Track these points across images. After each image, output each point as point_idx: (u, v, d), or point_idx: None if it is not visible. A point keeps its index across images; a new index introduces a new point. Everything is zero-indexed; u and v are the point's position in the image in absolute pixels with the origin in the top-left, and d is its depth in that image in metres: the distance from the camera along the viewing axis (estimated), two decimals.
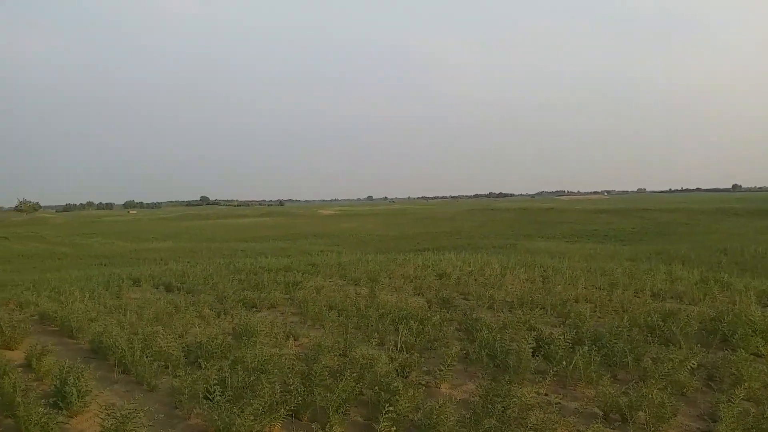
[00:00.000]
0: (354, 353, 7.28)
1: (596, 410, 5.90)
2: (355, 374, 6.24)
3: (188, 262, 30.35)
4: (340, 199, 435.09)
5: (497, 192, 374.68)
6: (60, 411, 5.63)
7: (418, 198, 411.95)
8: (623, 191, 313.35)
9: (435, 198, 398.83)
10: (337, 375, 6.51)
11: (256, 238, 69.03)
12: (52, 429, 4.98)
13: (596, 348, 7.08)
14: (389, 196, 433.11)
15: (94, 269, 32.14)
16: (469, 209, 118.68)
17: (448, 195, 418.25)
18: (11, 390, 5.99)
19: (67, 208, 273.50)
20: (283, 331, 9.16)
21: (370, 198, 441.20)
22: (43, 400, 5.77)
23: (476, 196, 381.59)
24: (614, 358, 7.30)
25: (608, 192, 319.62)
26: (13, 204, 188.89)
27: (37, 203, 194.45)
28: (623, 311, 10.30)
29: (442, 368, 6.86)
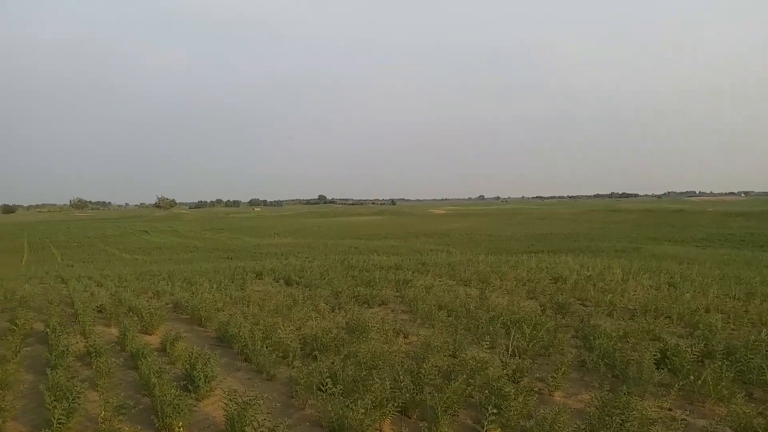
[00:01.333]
0: (464, 355, 7.21)
1: (727, 430, 5.38)
2: (464, 376, 6.18)
3: (306, 258, 31.74)
4: (451, 198, 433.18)
5: (620, 192, 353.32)
6: (189, 394, 6.08)
7: (533, 198, 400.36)
8: (763, 192, 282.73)
9: (551, 198, 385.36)
10: (447, 375, 6.49)
11: (369, 235, 70.62)
12: (182, 410, 5.39)
13: (729, 363, 6.47)
14: (502, 196, 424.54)
15: (221, 262, 34.56)
16: (589, 210, 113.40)
17: (565, 195, 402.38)
18: (147, 372, 6.58)
19: (199, 205, 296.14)
20: (393, 328, 9.27)
21: (481, 197, 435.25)
22: (175, 383, 6.28)
23: (597, 196, 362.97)
24: (749, 375, 6.62)
25: (746, 193, 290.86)
26: (153, 201, 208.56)
27: (174, 200, 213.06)
28: (761, 324, 9.33)
29: (556, 375, 6.60)
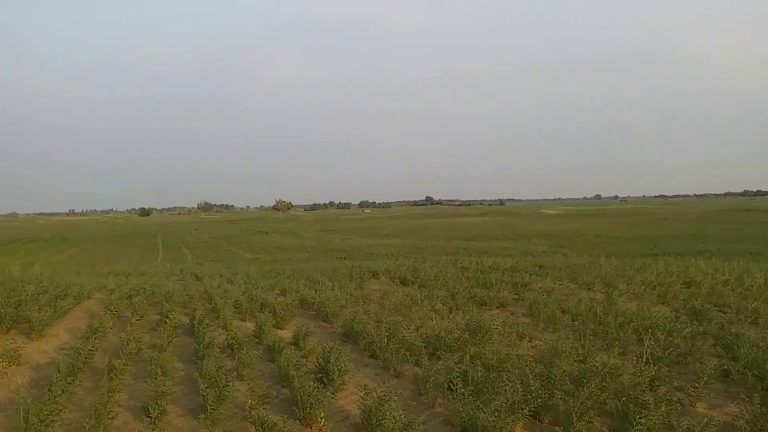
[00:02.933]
0: (594, 361, 6.99)
1: None
2: (597, 382, 6.00)
3: (416, 259, 32.01)
4: (564, 198, 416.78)
5: (754, 190, 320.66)
6: (324, 386, 6.41)
7: (655, 197, 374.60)
8: None
9: (676, 197, 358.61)
10: (578, 381, 6.34)
11: (477, 237, 69.74)
12: (321, 401, 5.71)
13: None
14: (620, 195, 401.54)
15: (336, 261, 35.73)
16: (719, 209, 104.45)
17: (691, 193, 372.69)
18: (286, 364, 7.03)
19: (314, 207, 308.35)
20: (516, 331, 9.18)
21: (598, 197, 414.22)
22: (311, 375, 6.65)
23: (728, 194, 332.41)
24: None
25: None
26: (272, 203, 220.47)
27: (290, 203, 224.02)
28: None
29: (698, 385, 6.22)
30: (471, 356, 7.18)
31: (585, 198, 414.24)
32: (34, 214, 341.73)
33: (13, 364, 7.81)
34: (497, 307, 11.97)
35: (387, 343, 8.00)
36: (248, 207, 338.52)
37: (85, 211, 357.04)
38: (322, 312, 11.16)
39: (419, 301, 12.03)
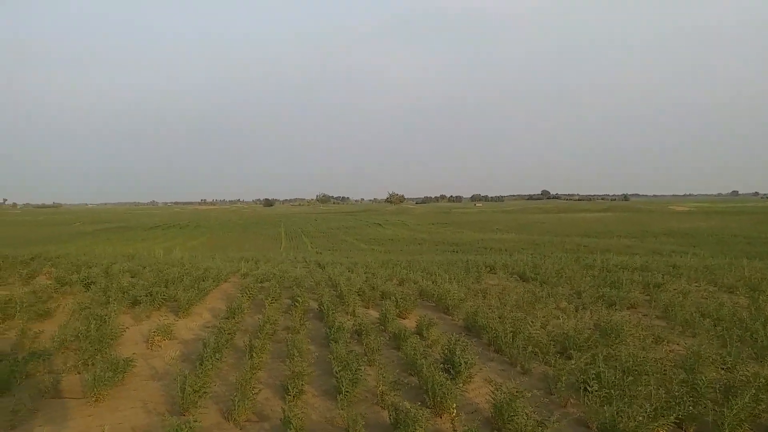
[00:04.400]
0: (745, 370, 6.41)
1: None
2: (751, 394, 5.50)
3: (532, 254, 31.13)
4: (695, 194, 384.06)
5: None
6: (451, 378, 6.44)
7: None
8: None
9: None
10: (726, 391, 5.86)
11: (599, 233, 66.42)
12: (452, 391, 5.74)
13: None
14: (761, 192, 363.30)
15: (449, 255, 35.66)
16: None
17: None
18: (413, 352, 7.15)
19: (425, 200, 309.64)
20: (651, 334, 8.65)
21: (734, 193, 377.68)
22: (437, 365, 6.71)
23: None
24: None
25: None
26: (385, 196, 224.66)
27: (402, 196, 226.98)
28: None
29: None
30: (604, 357, 6.87)
31: (720, 194, 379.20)
32: (171, 202, 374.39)
33: (166, 338, 8.64)
34: (628, 308, 11.36)
35: (513, 339, 7.88)
36: (362, 199, 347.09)
37: (215, 200, 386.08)
38: (442, 304, 11.21)
39: (543, 298, 11.70)
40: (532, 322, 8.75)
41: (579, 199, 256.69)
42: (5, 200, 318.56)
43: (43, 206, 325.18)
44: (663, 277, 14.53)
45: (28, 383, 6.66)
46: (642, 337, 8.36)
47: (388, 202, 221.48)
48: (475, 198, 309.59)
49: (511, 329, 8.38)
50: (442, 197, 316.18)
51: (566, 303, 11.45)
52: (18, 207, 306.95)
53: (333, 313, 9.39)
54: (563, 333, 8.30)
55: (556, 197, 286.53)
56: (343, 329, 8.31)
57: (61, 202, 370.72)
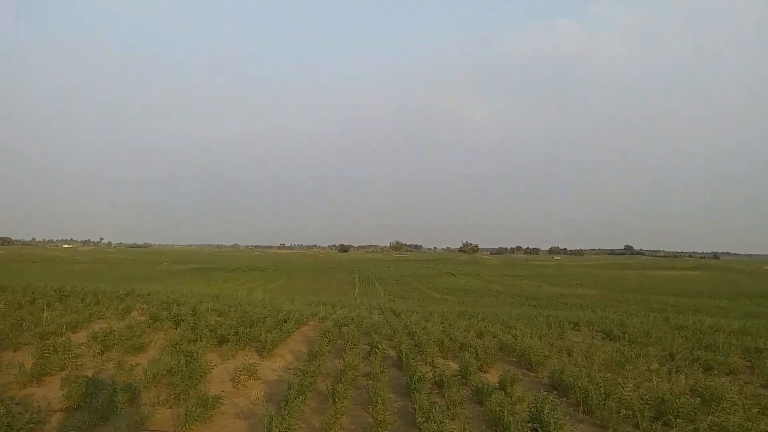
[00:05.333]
0: None
1: None
2: None
3: (615, 311, 29.71)
4: None
5: None
6: None
7: None
8: None
9: None
10: None
11: (687, 293, 62.49)
12: None
13: None
14: None
15: (526, 309, 34.68)
16: None
17: None
18: (498, 408, 6.95)
19: (500, 250, 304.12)
20: (757, 404, 7.98)
21: None
22: (524, 424, 6.47)
23: None
24: None
25: None
26: (458, 245, 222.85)
27: (476, 245, 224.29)
28: None
29: None
30: (708, 427, 6.39)
31: None
32: (253, 245, 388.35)
33: (251, 378, 8.86)
34: (727, 374, 10.55)
35: (604, 400, 7.49)
36: (435, 248, 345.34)
37: (293, 245, 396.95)
38: (525, 359, 10.86)
39: (632, 359, 11.10)
40: (624, 383, 8.30)
41: (665, 256, 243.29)
42: (101, 239, 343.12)
43: (135, 246, 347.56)
44: (765, 342, 13.44)
45: (124, 413, 7.01)
46: (747, 406, 7.72)
47: (461, 251, 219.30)
48: (553, 250, 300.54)
49: (602, 389, 7.98)
50: (518, 248, 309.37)
51: (658, 365, 10.80)
52: (112, 246, 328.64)
53: (412, 362, 9.32)
54: (658, 397, 7.81)
55: (640, 253, 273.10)
56: (424, 380, 8.21)
57: (151, 242, 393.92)
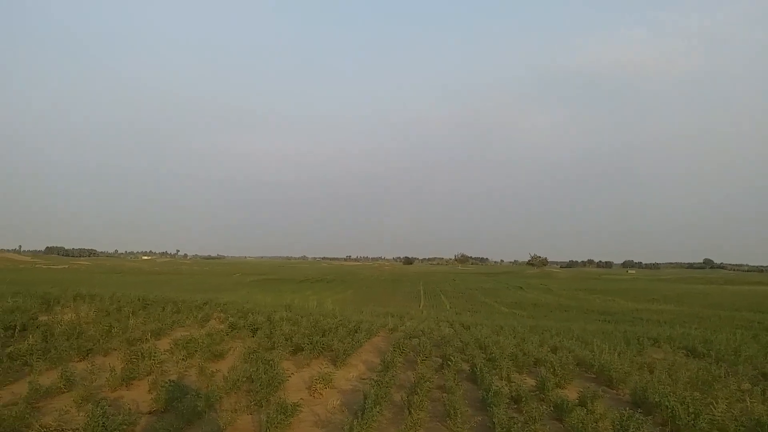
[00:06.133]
0: None
1: None
2: None
3: (696, 328, 28.16)
4: None
5: None
6: None
7: None
8: None
9: None
10: None
11: None
12: None
13: None
14: None
15: (601, 324, 33.42)
16: None
17: None
18: (580, 425, 6.73)
19: (570, 264, 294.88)
20: None
21: None
22: None
23: None
24: None
25: None
26: (526, 258, 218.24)
27: (545, 258, 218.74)
28: None
29: None
30: None
31: None
32: (320, 257, 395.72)
33: (327, 386, 8.99)
34: None
35: (694, 420, 7.09)
36: (502, 261, 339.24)
37: (359, 257, 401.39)
38: (605, 375, 10.46)
39: (721, 378, 10.47)
40: (714, 403, 7.83)
41: (748, 270, 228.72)
42: (178, 251, 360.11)
43: (209, 257, 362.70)
44: None
45: (207, 418, 7.27)
46: None
47: (529, 264, 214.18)
48: (627, 264, 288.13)
49: (691, 409, 7.56)
50: (590, 262, 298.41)
51: (750, 384, 10.13)
52: (188, 257, 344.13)
53: (487, 376, 9.17)
54: (754, 419, 7.32)
55: (721, 267, 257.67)
56: (501, 394, 8.06)
57: (224, 254, 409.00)
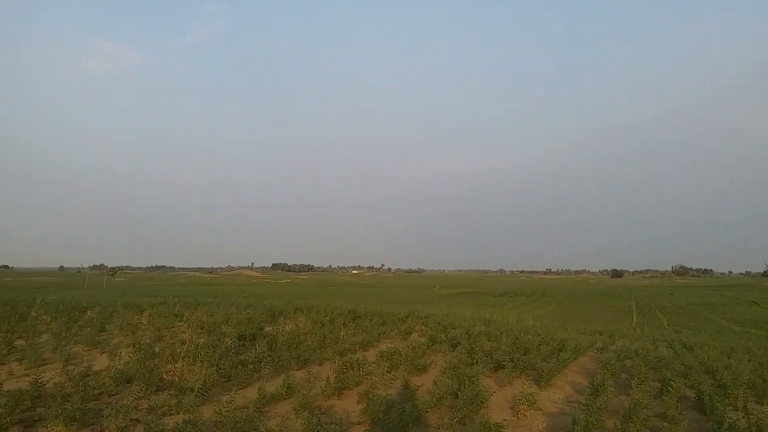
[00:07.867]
0: None
1: None
2: None
3: None
4: None
5: None
6: None
7: None
8: None
9: None
10: None
11: None
12: None
13: None
14: None
15: None
16: None
17: None
18: None
19: None
20: None
21: None
22: None
23: None
24: None
25: None
26: (762, 269, 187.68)
27: None
28: None
29: None
30: None
31: None
32: (518, 271, 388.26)
33: (531, 408, 8.66)
34: None
35: None
36: (730, 272, 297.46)
37: (560, 270, 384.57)
38: None
39: None
40: None
41: None
42: (383, 265, 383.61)
43: (410, 271, 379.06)
44: None
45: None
46: None
47: (765, 276, 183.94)
48: None
49: None
50: None
51: None
52: (391, 271, 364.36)
53: (719, 405, 8.02)
54: None
55: None
56: (738, 428, 6.98)
57: (424, 267, 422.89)
